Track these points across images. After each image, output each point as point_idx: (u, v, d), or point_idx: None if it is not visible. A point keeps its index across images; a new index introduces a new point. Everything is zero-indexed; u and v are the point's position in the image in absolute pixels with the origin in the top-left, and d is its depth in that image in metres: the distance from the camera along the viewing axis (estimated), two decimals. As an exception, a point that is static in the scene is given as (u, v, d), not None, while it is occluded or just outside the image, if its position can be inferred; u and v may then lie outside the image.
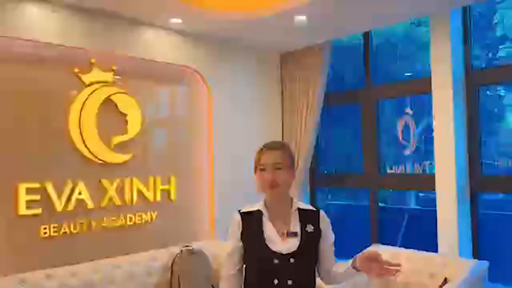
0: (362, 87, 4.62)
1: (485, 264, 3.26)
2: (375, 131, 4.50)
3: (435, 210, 3.83)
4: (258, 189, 1.84)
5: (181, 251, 3.54)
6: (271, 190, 1.79)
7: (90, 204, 3.40)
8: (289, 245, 1.74)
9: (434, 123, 3.83)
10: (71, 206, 3.30)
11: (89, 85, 3.43)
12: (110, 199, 3.51)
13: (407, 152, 4.82)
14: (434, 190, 3.86)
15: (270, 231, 1.77)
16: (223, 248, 3.74)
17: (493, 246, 4.30)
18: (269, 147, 1.84)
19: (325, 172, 5.49)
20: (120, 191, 3.59)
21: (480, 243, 3.78)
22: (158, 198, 3.81)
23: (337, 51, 5.07)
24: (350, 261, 1.77)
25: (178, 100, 4.12)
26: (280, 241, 1.75)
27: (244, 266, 1.83)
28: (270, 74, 4.85)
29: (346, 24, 4.01)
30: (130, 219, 3.63)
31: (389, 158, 5.37)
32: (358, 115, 4.80)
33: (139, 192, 3.70)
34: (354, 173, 4.92)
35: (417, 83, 4.22)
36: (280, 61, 4.93)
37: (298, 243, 1.75)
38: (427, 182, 3.99)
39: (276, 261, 1.72)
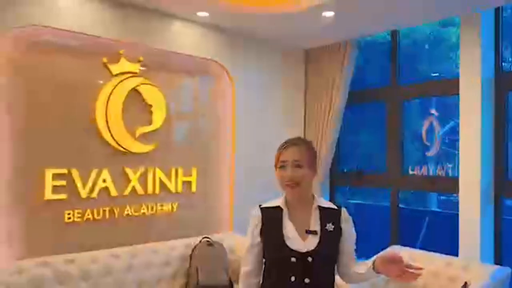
0: (388, 85, 4.56)
1: (507, 270, 3.20)
2: (400, 131, 4.44)
3: (457, 214, 3.77)
4: (280, 187, 1.82)
5: (200, 242, 3.59)
6: (290, 190, 1.76)
7: (113, 192, 3.46)
8: (308, 244, 1.72)
9: (461, 125, 3.76)
10: (95, 193, 3.36)
11: (116, 76, 3.48)
12: (133, 188, 3.57)
13: (430, 153, 4.75)
14: (456, 193, 3.80)
15: (289, 229, 1.75)
16: (241, 241, 3.79)
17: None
18: (290, 143, 1.81)
19: (346, 170, 5.45)
20: (143, 180, 3.64)
21: (502, 248, 3.71)
22: (180, 189, 3.85)
23: (363, 48, 5.02)
24: (371, 261, 1.75)
25: (202, 93, 4.15)
26: (299, 240, 1.73)
27: (264, 261, 1.82)
28: (295, 69, 4.84)
29: (374, 23, 3.97)
30: (152, 208, 3.68)
31: (411, 159, 5.30)
32: (381, 114, 4.75)
33: (161, 182, 3.74)
34: (376, 173, 4.88)
35: (445, 84, 4.15)
36: (305, 57, 4.91)
37: (317, 242, 1.72)
38: (450, 184, 3.93)
39: (293, 259, 1.70)
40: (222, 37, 4.16)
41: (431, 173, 4.33)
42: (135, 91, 3.59)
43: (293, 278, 1.70)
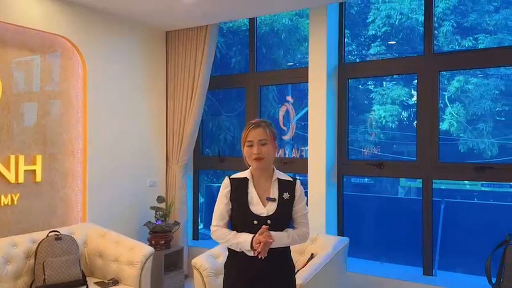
0: (247, 72, 4.70)
1: (346, 240, 3.59)
2: (257, 117, 4.62)
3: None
4: (247, 161, 2.15)
5: (47, 236, 3.28)
6: (257, 163, 2.10)
7: None
8: (268, 209, 2.09)
9: (309, 111, 4.05)
10: None
11: None
12: (-39, 179, 3.10)
13: (286, 137, 5.07)
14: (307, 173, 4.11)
15: (253, 196, 2.12)
16: (95, 232, 3.57)
17: (355, 224, 4.77)
18: (255, 125, 2.14)
19: (210, 154, 5.52)
20: (-26, 171, 3.18)
21: (344, 221, 4.14)
22: (21, 179, 3.45)
23: (225, 34, 5.09)
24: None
25: (49, 72, 3.74)
26: (261, 205, 2.10)
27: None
28: (155, 51, 4.65)
29: (232, 8, 4.02)
30: (-14, 202, 3.25)
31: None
32: (241, 100, 4.91)
33: (-3, 172, 3.32)
34: (237, 156, 5.02)
35: (297, 72, 4.43)
36: (166, 39, 4.77)
37: (275, 207, 2.10)
38: (303, 165, 4.22)
39: (255, 222, 2.07)
40: (73, 12, 3.79)
41: (287, 155, 4.62)
42: (-40, 67, 3.10)
43: None
